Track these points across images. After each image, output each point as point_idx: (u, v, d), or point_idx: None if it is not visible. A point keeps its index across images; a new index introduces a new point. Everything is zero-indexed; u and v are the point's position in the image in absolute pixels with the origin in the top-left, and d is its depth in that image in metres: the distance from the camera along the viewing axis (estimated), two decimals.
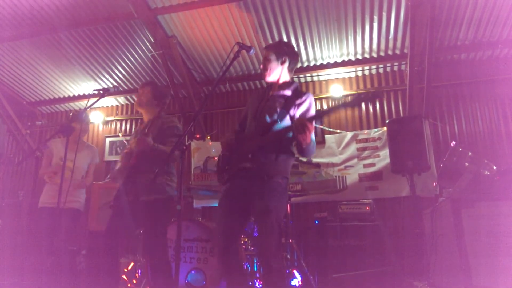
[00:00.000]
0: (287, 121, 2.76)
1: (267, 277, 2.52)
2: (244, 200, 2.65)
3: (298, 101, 2.78)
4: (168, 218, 3.46)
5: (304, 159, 5.92)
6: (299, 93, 2.86)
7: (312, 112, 2.77)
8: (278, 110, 2.75)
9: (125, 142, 3.68)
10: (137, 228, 3.28)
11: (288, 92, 2.85)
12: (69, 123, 3.67)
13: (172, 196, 3.26)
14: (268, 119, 2.75)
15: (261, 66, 2.94)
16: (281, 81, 2.93)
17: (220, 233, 2.66)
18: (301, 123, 2.46)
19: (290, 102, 2.78)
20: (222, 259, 2.69)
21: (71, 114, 4.61)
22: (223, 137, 2.97)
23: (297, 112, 2.77)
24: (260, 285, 4.53)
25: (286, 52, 2.93)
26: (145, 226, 3.20)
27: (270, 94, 2.91)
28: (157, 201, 3.15)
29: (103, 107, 7.80)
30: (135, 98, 3.47)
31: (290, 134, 2.67)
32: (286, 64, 2.92)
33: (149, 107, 3.49)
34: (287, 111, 2.75)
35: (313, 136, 2.59)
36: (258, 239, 2.64)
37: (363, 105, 6.44)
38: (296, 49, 3.08)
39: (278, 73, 2.92)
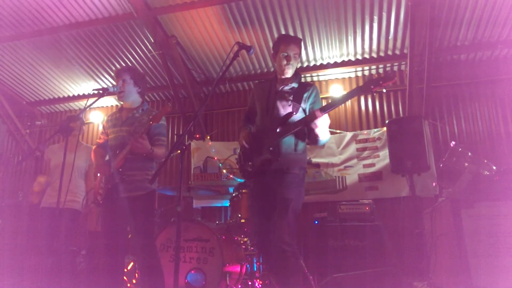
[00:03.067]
0: (301, 113, 2.92)
1: (279, 260, 2.67)
2: (268, 195, 2.86)
3: (305, 94, 2.96)
4: (152, 212, 3.42)
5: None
6: (304, 84, 3.04)
7: (318, 102, 2.97)
8: (291, 103, 2.90)
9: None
10: (124, 225, 3.26)
11: (295, 84, 3.01)
12: (68, 123, 3.66)
13: (153, 190, 3.29)
14: (282, 112, 2.90)
15: (290, 61, 2.95)
16: (288, 76, 3.04)
17: (258, 234, 2.94)
18: (314, 116, 2.65)
19: (299, 95, 2.94)
20: (263, 256, 3.08)
21: (67, 115, 4.69)
22: (241, 134, 3.08)
23: (307, 105, 2.95)
24: (260, 285, 4.54)
25: (301, 52, 3.08)
26: (130, 223, 3.18)
27: (278, 87, 3.02)
28: (139, 198, 3.16)
29: (102, 107, 7.81)
30: (113, 88, 3.25)
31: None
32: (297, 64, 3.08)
33: (132, 96, 3.38)
34: (299, 104, 2.91)
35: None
36: (275, 226, 2.78)
37: (362, 105, 6.45)
38: None
39: (294, 69, 3.04)
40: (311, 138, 2.84)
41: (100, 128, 7.56)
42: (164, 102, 7.55)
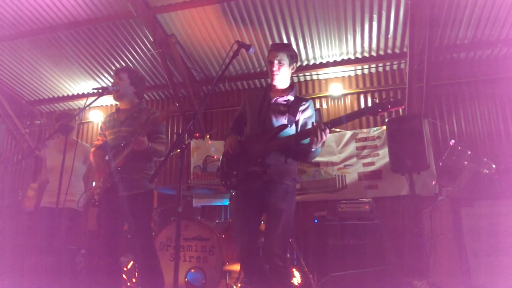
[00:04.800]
0: (293, 127, 2.84)
1: (271, 275, 2.60)
2: (257, 201, 2.75)
3: (301, 108, 2.87)
4: (150, 211, 3.41)
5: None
6: (300, 98, 2.94)
7: (313, 117, 2.88)
8: (286, 115, 2.81)
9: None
10: (122, 224, 3.26)
11: (290, 97, 2.91)
12: (67, 122, 3.65)
13: (152, 189, 3.28)
14: (275, 124, 2.80)
15: (273, 68, 2.86)
16: (284, 86, 2.95)
17: (242, 237, 2.77)
18: (321, 129, 2.50)
19: (294, 108, 2.85)
20: (244, 262, 2.84)
21: (59, 112, 4.72)
22: (227, 140, 2.95)
23: (301, 118, 2.86)
24: None
25: (296, 60, 2.97)
26: (128, 222, 3.17)
27: (272, 97, 2.92)
28: (138, 196, 3.15)
29: (102, 106, 7.80)
30: (111, 88, 3.25)
31: (306, 141, 2.68)
32: (292, 71, 2.97)
33: (128, 96, 3.36)
34: (294, 117, 2.82)
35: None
36: (266, 238, 2.70)
37: (362, 103, 6.45)
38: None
39: (286, 79, 2.94)
40: (303, 153, 2.72)
41: (99, 127, 7.57)
42: (164, 101, 7.54)
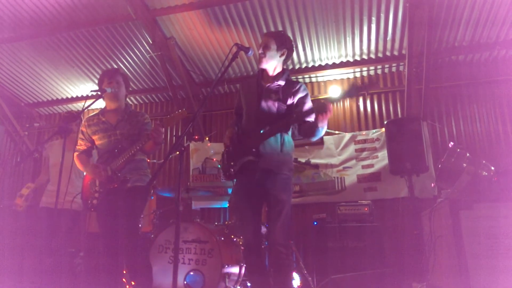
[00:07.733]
0: (285, 113, 2.89)
1: (273, 264, 2.70)
2: (258, 192, 2.82)
3: (293, 90, 2.93)
4: (140, 209, 3.39)
5: (304, 160, 5.95)
6: (291, 82, 3.01)
7: (308, 97, 2.95)
8: (276, 104, 2.87)
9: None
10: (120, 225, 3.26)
11: (281, 82, 2.96)
12: (66, 123, 3.65)
13: (147, 188, 3.31)
14: (266, 111, 2.88)
15: (260, 51, 2.95)
16: (275, 73, 3.01)
17: (248, 233, 2.84)
18: (324, 105, 2.61)
19: (285, 93, 2.91)
20: (247, 258, 2.95)
21: (64, 114, 4.74)
22: (226, 133, 3.06)
23: (295, 98, 2.92)
24: None
25: (286, 46, 3.02)
26: (121, 219, 3.16)
27: (264, 85, 2.97)
28: (132, 189, 3.17)
29: (101, 108, 7.77)
30: (111, 90, 3.27)
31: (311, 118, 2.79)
32: (283, 58, 3.02)
33: (121, 98, 3.41)
34: (285, 104, 2.88)
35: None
36: (269, 228, 2.79)
37: (361, 105, 6.45)
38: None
39: (275, 64, 2.99)
40: (311, 130, 2.79)
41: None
42: (163, 104, 7.52)
